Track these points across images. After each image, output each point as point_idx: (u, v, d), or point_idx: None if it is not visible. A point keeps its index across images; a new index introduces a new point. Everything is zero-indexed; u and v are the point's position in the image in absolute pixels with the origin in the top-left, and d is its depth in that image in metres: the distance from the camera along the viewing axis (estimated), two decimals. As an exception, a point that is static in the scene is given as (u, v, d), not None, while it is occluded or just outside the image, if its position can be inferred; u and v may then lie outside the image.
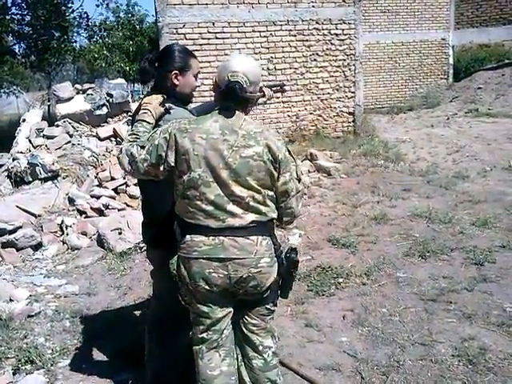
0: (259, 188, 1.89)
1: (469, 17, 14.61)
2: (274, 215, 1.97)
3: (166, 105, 2.17)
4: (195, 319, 2.04)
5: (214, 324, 2.00)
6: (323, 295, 3.56)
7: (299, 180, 2.01)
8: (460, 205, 5.41)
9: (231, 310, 2.04)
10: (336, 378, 2.62)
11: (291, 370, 2.69)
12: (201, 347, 2.02)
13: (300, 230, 4.95)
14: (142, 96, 6.50)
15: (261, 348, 2.06)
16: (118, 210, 5.35)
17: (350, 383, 2.58)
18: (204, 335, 2.01)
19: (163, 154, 1.90)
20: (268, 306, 2.06)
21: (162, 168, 1.93)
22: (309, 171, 6.94)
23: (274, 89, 2.78)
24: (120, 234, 4.63)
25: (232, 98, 1.89)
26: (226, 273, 1.89)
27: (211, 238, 1.89)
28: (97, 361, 2.90)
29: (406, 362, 2.70)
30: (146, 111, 2.12)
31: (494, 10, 14.19)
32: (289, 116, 9.06)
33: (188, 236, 1.93)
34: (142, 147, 1.94)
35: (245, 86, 1.90)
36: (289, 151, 1.97)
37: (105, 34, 17.47)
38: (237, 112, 1.93)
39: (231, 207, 1.88)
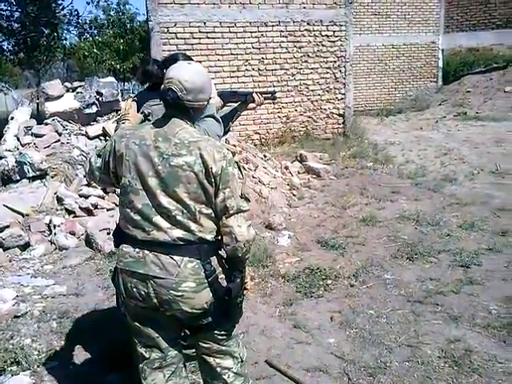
0: (190, 202, 1.77)
1: (458, 21, 14.76)
2: (208, 236, 1.81)
3: (145, 111, 2.21)
4: (132, 332, 1.96)
5: (150, 341, 1.92)
6: (311, 297, 3.58)
7: (246, 199, 1.85)
8: (447, 207, 5.47)
9: (170, 331, 1.93)
10: (323, 380, 2.63)
11: (279, 371, 2.70)
12: (143, 366, 1.95)
13: (289, 231, 4.97)
14: (132, 95, 6.47)
15: (219, 369, 1.97)
16: (107, 210, 5.31)
17: (338, 384, 2.60)
18: (143, 351, 1.94)
19: (107, 161, 1.90)
20: (217, 332, 1.92)
21: (110, 174, 1.91)
22: (298, 172, 6.97)
23: (265, 96, 2.80)
24: (109, 234, 4.59)
25: (166, 105, 1.83)
26: (147, 291, 1.80)
27: (136, 250, 1.82)
28: (84, 362, 2.88)
29: (393, 364, 2.72)
30: (124, 122, 2.16)
31: (482, 14, 14.36)
32: (279, 117, 9.09)
33: (122, 245, 1.88)
34: (99, 156, 1.94)
35: (180, 93, 1.77)
36: (238, 167, 1.85)
37: (95, 31, 17.37)
38: (176, 120, 1.82)
39: (157, 219, 1.78)
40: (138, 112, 2.32)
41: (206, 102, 1.90)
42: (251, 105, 2.78)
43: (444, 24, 14.51)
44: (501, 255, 4.11)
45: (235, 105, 2.74)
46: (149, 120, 2.20)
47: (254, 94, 2.74)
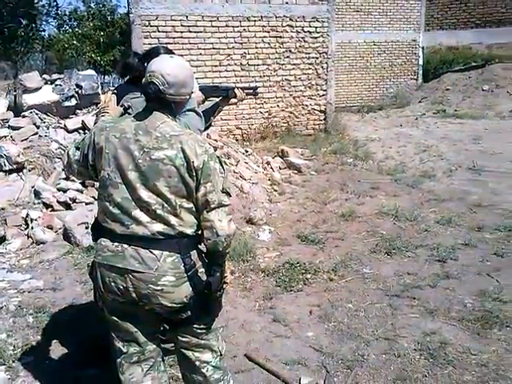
0: (171, 196, 1.76)
1: (438, 19, 14.96)
2: (188, 230, 1.80)
3: (125, 104, 2.20)
4: (110, 327, 1.94)
5: (128, 336, 1.91)
6: (291, 291, 3.60)
7: (228, 194, 1.84)
8: (426, 203, 5.55)
9: (149, 325, 1.93)
10: (302, 372, 2.65)
11: (258, 364, 2.71)
12: (120, 361, 1.94)
13: (270, 226, 4.98)
14: (111, 88, 6.40)
15: (198, 363, 1.97)
16: (86, 204, 5.24)
17: (316, 377, 2.62)
18: (120, 346, 1.93)
19: (86, 153, 1.88)
20: (196, 326, 1.92)
21: (88, 167, 1.90)
22: (280, 168, 6.99)
23: (247, 91, 2.81)
24: (87, 228, 4.54)
25: (147, 98, 1.81)
26: (125, 285, 1.78)
27: (115, 244, 1.80)
28: (61, 357, 2.85)
29: (370, 356, 2.76)
30: (104, 115, 2.14)
31: (462, 13, 14.57)
32: (261, 112, 9.08)
33: (100, 239, 1.86)
34: (78, 148, 1.93)
35: (161, 87, 1.75)
36: (220, 161, 1.83)
37: (75, 23, 17.11)
38: (157, 113, 1.81)
39: (137, 213, 1.76)
40: (117, 105, 2.30)
41: (187, 96, 1.88)
42: (233, 100, 2.78)
43: (425, 22, 14.68)
44: (476, 250, 4.20)
45: (217, 99, 2.74)
46: (128, 113, 2.18)
47: (236, 89, 2.75)
